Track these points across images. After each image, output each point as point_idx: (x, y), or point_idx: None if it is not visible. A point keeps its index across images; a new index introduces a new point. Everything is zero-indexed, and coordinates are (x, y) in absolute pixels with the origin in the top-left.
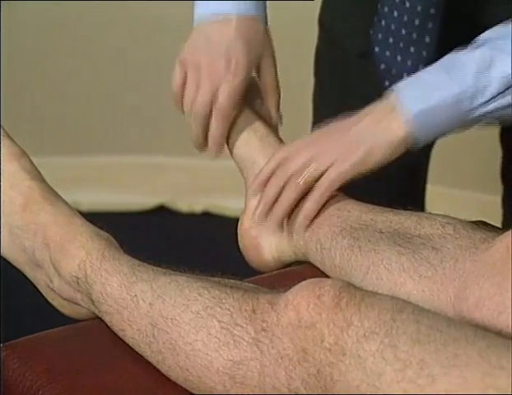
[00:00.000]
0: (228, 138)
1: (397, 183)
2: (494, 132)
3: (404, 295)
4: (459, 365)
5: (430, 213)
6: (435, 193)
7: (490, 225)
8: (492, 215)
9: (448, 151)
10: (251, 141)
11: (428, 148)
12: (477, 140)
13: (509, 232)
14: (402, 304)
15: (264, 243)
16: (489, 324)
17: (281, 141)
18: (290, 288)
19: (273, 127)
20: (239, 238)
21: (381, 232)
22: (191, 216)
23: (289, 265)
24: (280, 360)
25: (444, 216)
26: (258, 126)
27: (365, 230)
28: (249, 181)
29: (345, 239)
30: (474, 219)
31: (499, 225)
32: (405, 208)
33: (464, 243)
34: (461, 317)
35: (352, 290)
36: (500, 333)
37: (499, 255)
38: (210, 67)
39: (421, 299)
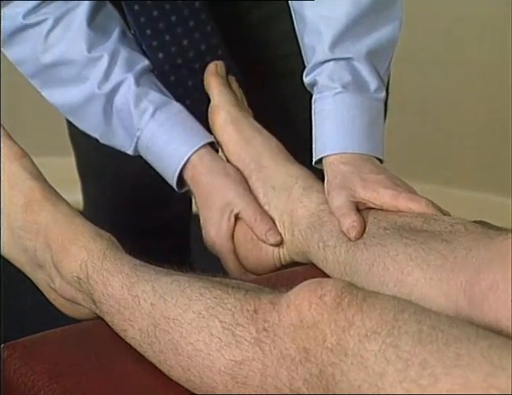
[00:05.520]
0: (230, 137)
1: None
2: (495, 133)
3: (411, 283)
4: (461, 365)
5: (436, 215)
6: (436, 193)
7: (491, 225)
8: (493, 215)
9: (447, 151)
10: (255, 141)
11: None
12: (477, 140)
13: None
14: (404, 303)
15: (264, 244)
16: (502, 308)
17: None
18: (291, 288)
19: None
20: None
21: (385, 229)
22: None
23: (288, 266)
24: (282, 361)
25: (452, 217)
26: (261, 129)
27: (369, 227)
28: (250, 180)
29: None
30: (474, 219)
31: (499, 225)
32: None
33: (478, 237)
34: (472, 301)
35: (354, 290)
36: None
37: None
38: None
39: (429, 286)
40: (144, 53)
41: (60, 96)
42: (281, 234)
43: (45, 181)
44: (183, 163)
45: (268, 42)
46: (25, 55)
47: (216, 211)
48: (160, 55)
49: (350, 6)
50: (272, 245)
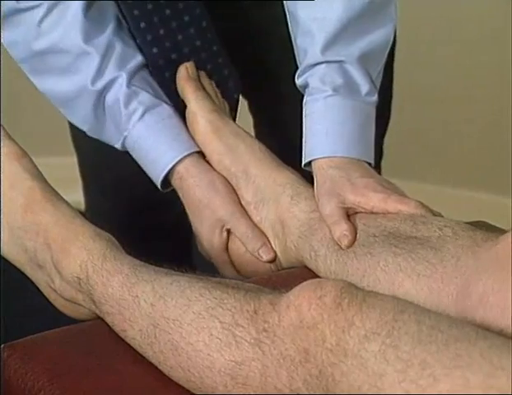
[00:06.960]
0: (213, 147)
1: None
2: (494, 133)
3: (402, 294)
4: (461, 366)
5: (425, 217)
6: (435, 193)
7: (490, 225)
8: (493, 215)
9: (447, 151)
10: (238, 149)
11: None
12: (477, 140)
13: None
14: (403, 304)
15: None
16: (493, 320)
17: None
18: (291, 288)
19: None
20: None
21: (375, 236)
22: None
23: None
24: (282, 361)
25: (441, 219)
26: (243, 134)
27: (359, 234)
28: (239, 191)
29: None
30: (474, 219)
31: (499, 225)
32: None
33: (466, 243)
34: (463, 315)
35: (354, 291)
36: (504, 330)
37: (503, 252)
38: None
39: (421, 297)
40: (139, 47)
41: (50, 85)
42: (274, 251)
43: (45, 181)
44: (166, 170)
45: (266, 46)
46: (16, 39)
47: (206, 226)
48: (155, 50)
49: (343, 8)
50: (265, 262)
